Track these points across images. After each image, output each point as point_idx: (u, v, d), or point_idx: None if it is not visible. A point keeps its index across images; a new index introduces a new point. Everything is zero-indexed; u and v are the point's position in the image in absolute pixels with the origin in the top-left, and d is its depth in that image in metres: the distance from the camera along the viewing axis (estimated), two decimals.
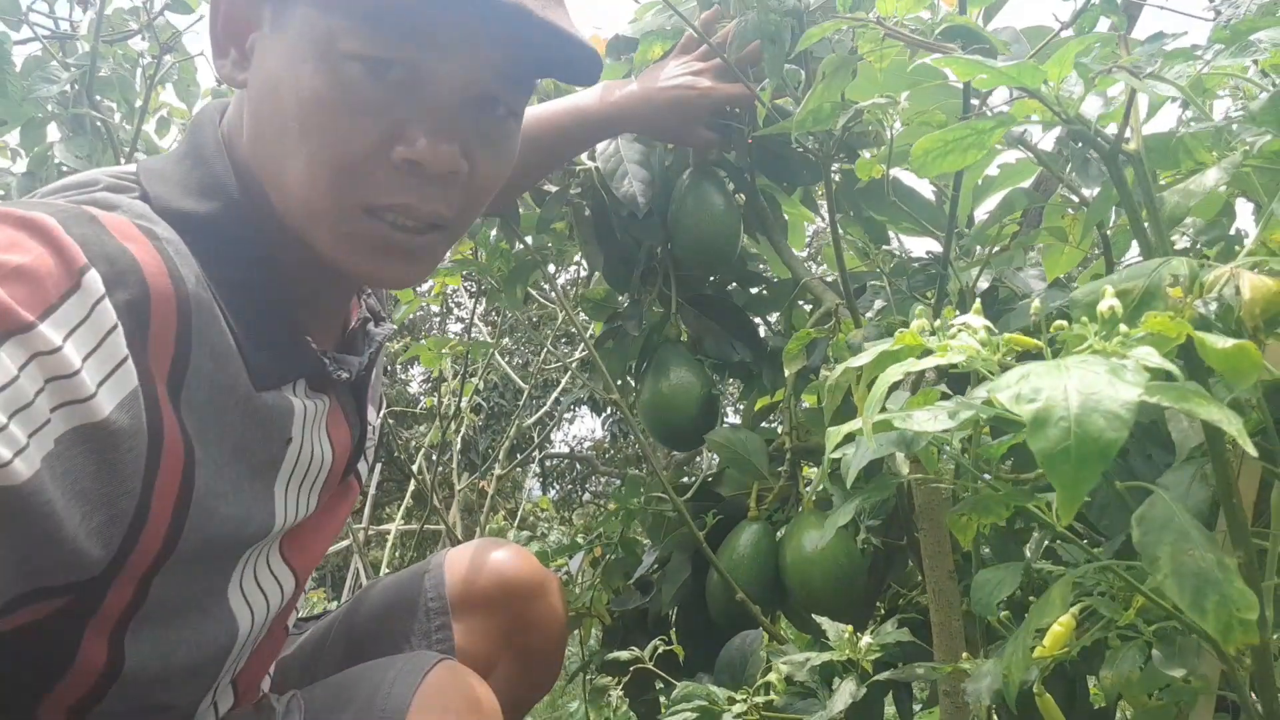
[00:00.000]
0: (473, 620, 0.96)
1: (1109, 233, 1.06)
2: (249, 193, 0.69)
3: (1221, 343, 0.39)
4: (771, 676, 0.86)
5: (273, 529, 0.71)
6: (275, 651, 0.87)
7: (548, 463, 5.50)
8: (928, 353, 0.44)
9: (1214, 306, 0.49)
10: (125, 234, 0.60)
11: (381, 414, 0.95)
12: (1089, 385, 0.36)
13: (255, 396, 0.67)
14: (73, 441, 0.52)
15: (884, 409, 0.52)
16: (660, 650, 1.04)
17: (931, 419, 0.47)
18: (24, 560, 0.50)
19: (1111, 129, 0.65)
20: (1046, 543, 0.91)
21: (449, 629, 0.95)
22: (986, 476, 0.54)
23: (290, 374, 0.71)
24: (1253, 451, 0.37)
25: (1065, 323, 0.47)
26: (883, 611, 1.25)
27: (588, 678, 1.31)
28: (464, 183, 0.70)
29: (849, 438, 0.54)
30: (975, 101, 0.87)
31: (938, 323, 0.48)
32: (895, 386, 0.46)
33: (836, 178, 1.23)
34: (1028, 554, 0.99)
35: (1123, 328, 0.40)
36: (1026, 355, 0.45)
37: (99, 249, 0.57)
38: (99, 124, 1.14)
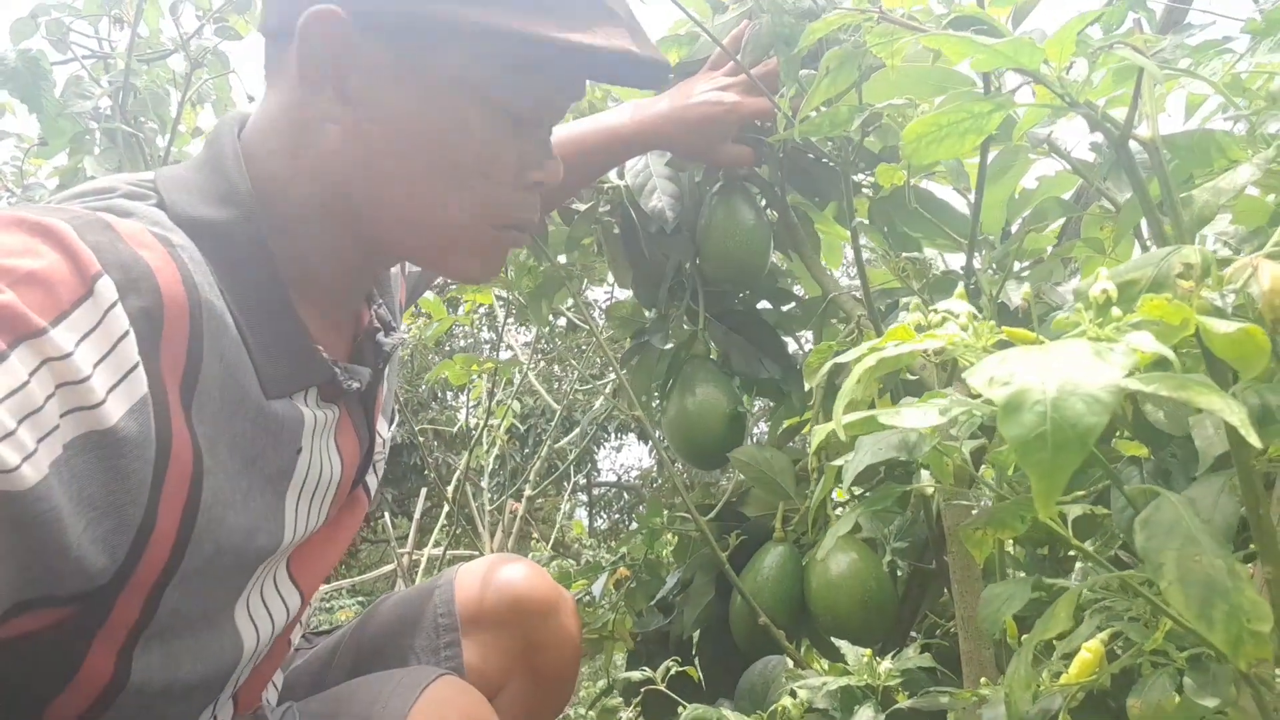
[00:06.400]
0: (483, 638, 0.95)
1: (1151, 246, 1.01)
2: (265, 202, 0.70)
3: (1225, 327, 0.36)
4: (786, 701, 0.82)
5: (283, 542, 0.71)
6: (276, 665, 0.86)
7: (595, 491, 5.48)
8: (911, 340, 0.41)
9: (1231, 299, 0.46)
10: (140, 241, 0.60)
11: (394, 425, 0.94)
12: (1069, 367, 0.33)
13: (266, 405, 0.67)
14: (81, 448, 0.51)
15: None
16: (674, 671, 1.01)
17: (921, 415, 0.44)
18: (28, 566, 0.49)
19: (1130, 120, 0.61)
20: (1090, 575, 0.86)
21: (458, 646, 0.93)
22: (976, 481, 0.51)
23: (301, 383, 0.71)
24: (1257, 443, 0.33)
25: (1065, 315, 0.44)
26: (918, 641, 1.20)
27: (606, 701, 1.28)
28: None
29: (845, 441, 0.51)
30: None
31: (931, 315, 0.45)
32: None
33: (868, 191, 1.20)
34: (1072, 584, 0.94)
35: (1116, 311, 0.37)
36: None
37: (113, 256, 0.57)
38: (133, 139, 1.17)
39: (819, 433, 0.45)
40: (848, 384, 0.39)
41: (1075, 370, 0.33)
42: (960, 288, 0.44)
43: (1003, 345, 0.44)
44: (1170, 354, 0.34)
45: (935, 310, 0.42)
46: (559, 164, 0.77)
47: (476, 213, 0.73)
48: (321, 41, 0.68)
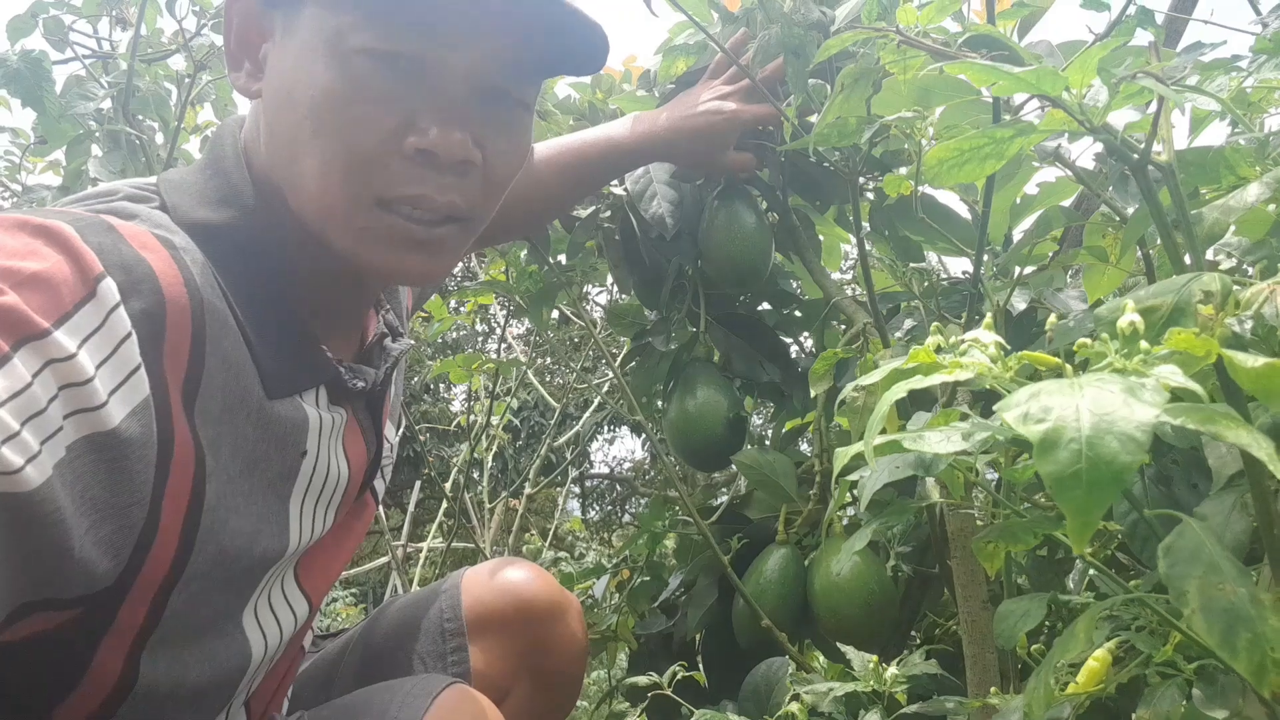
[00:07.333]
0: (489, 642, 0.95)
1: (1152, 253, 1.02)
2: (266, 202, 0.70)
3: (1251, 361, 0.37)
4: (793, 706, 0.83)
5: (288, 548, 0.71)
6: (290, 673, 0.86)
7: (588, 483, 5.49)
8: (938, 369, 0.41)
9: (1249, 325, 0.46)
10: (142, 243, 0.60)
11: (401, 430, 0.94)
12: (1103, 405, 0.34)
13: (268, 406, 0.66)
14: (84, 450, 0.51)
15: (902, 429, 0.50)
16: (680, 676, 1.02)
17: (944, 440, 0.44)
18: (32, 568, 0.49)
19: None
20: (1090, 575, 0.87)
21: (465, 650, 0.93)
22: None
23: (305, 382, 0.71)
24: None
25: (1088, 341, 0.44)
26: (918, 642, 1.21)
27: (612, 704, 1.29)
28: (480, 174, 0.70)
29: (861, 459, 0.52)
30: (1007, 117, 0.84)
31: (953, 339, 0.45)
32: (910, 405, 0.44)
33: (871, 196, 1.21)
34: (1070, 585, 0.95)
35: (1144, 344, 0.38)
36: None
37: (115, 258, 0.57)
38: (135, 141, 1.17)
39: (842, 456, 0.46)
40: (877, 413, 0.39)
41: (1109, 408, 0.33)
42: (988, 318, 0.44)
43: (1024, 368, 0.45)
44: (1200, 390, 0.35)
45: (963, 340, 0.42)
46: (460, 138, 0.67)
47: (352, 184, 0.66)
48: (236, 15, 0.70)
